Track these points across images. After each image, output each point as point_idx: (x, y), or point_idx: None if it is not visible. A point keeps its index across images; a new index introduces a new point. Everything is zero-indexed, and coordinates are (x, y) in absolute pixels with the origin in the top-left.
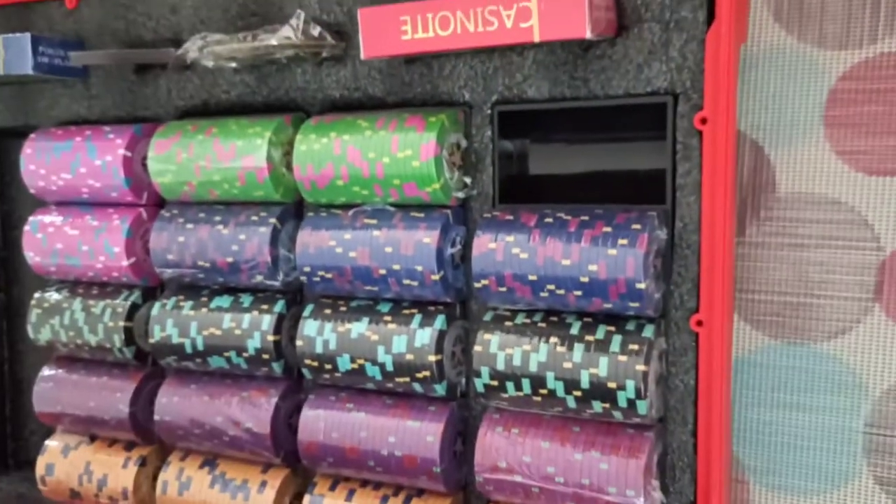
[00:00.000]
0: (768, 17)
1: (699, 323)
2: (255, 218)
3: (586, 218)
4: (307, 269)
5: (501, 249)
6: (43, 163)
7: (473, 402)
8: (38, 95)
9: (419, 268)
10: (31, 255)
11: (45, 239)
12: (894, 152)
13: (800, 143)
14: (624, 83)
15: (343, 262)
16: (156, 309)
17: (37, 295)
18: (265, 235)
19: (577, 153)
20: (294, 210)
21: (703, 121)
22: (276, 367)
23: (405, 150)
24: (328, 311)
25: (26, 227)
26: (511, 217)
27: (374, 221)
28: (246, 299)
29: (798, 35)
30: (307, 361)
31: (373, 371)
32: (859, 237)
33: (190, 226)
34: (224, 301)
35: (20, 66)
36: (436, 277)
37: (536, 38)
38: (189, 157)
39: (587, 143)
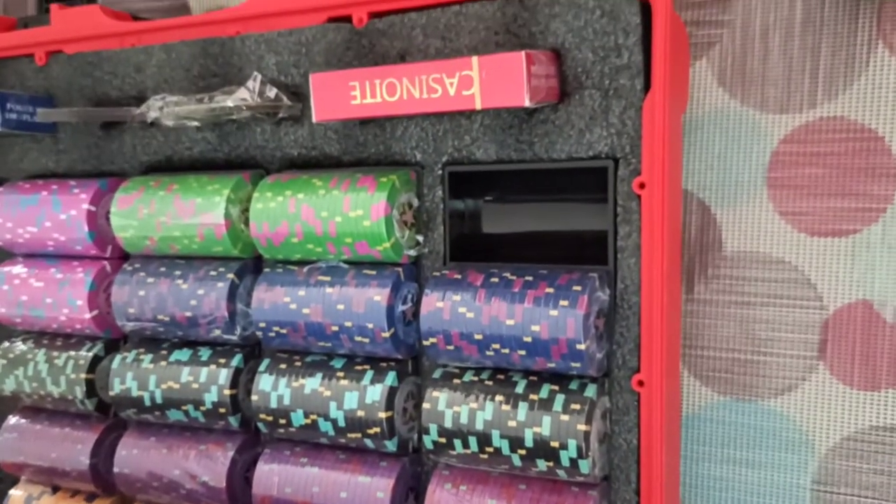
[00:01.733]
0: (712, 81)
1: (640, 383)
2: (213, 273)
3: (530, 278)
4: (263, 324)
5: (448, 308)
6: (10, 216)
7: (426, 457)
8: (9, 148)
9: (370, 325)
10: None
11: (10, 291)
12: (834, 214)
13: (744, 203)
14: (567, 147)
15: (297, 318)
16: (116, 362)
17: (3, 345)
18: (223, 290)
19: (528, 213)
20: (252, 265)
21: (642, 185)
22: (233, 421)
23: (356, 209)
24: (283, 367)
25: None
26: (459, 276)
27: (327, 279)
28: (204, 353)
29: (741, 99)
30: (262, 416)
31: (325, 427)
32: (803, 296)
33: (151, 280)
34: (183, 355)
35: None
36: (386, 335)
37: (478, 106)
38: (150, 213)
39: (537, 203)
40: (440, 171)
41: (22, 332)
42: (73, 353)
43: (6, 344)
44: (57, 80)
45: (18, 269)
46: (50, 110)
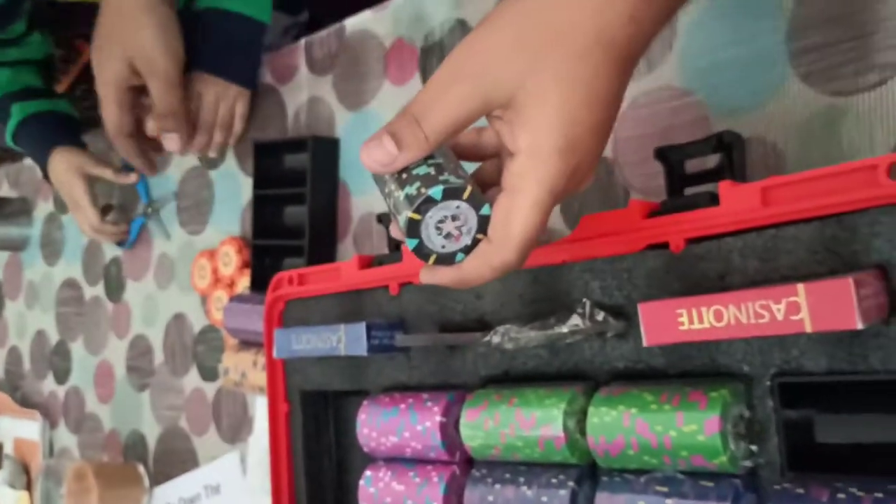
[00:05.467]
0: None
1: None
2: (554, 480)
3: (880, 495)
4: None
5: None
6: (374, 426)
7: None
8: (368, 365)
9: None
10: None
11: (376, 493)
12: None
13: None
14: None
15: None
16: None
17: None
18: (565, 498)
19: (866, 423)
20: (589, 471)
21: None
22: None
23: (690, 424)
24: None
25: (361, 482)
26: (802, 490)
27: (665, 489)
28: None
29: None
30: None
31: None
32: None
33: (497, 486)
34: None
35: (357, 349)
36: None
37: (808, 330)
38: (495, 425)
39: (876, 414)
40: (769, 383)
41: None
42: None
43: None
44: (408, 307)
45: (382, 473)
46: (407, 336)
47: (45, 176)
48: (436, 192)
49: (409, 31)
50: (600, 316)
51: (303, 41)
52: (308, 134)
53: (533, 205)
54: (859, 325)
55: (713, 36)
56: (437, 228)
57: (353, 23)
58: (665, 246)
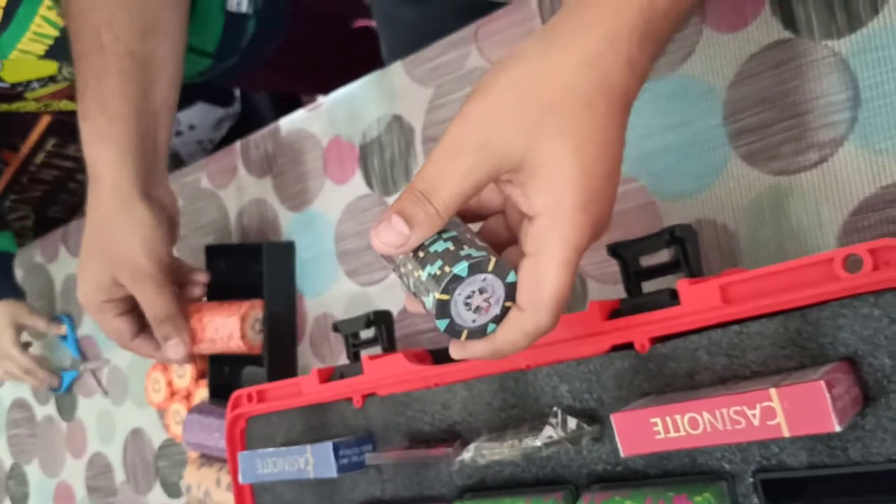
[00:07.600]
0: None
1: None
2: None
3: None
4: None
5: None
6: None
7: None
8: (340, 482)
9: None
10: None
11: None
12: None
13: None
14: (883, 449)
15: None
16: None
17: None
18: None
19: None
20: None
21: None
22: None
23: None
24: None
25: None
26: None
27: None
28: None
29: None
30: None
31: None
32: None
33: None
34: None
35: (327, 471)
36: None
37: (786, 434)
38: None
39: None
40: (751, 479)
41: None
42: None
43: None
44: (374, 419)
45: None
46: (377, 454)
47: None
48: (461, 269)
49: (346, 129)
50: (573, 424)
51: (238, 143)
52: (260, 240)
53: (561, 265)
54: (837, 428)
55: (649, 122)
56: (466, 304)
57: (287, 122)
58: (630, 346)
